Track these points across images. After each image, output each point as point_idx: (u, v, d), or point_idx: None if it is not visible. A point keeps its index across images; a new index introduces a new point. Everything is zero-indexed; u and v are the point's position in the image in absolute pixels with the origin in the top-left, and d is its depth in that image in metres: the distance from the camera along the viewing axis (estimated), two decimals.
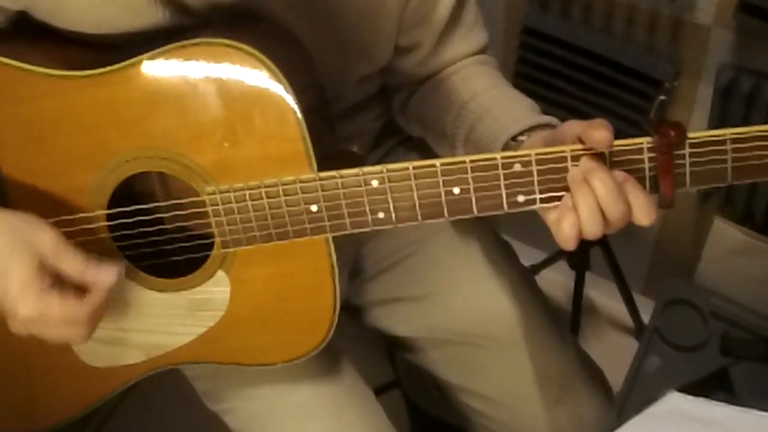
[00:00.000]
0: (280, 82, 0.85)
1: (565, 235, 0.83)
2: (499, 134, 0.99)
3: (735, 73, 1.50)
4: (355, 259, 1.23)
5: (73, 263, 0.87)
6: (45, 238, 0.87)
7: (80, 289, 0.88)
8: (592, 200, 0.81)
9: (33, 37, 0.96)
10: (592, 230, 0.83)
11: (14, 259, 0.85)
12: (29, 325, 0.88)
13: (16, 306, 0.86)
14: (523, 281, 1.21)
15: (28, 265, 0.85)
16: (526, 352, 1.18)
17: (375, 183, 0.86)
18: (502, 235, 1.29)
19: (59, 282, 0.87)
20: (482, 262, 1.20)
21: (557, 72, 1.71)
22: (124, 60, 0.89)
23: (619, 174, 0.82)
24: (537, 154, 0.84)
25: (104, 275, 0.88)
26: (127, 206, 0.95)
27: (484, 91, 1.08)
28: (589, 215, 0.82)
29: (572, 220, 0.83)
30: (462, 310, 1.19)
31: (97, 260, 0.88)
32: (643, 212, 0.82)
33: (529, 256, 2.04)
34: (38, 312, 0.86)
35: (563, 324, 1.29)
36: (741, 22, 1.46)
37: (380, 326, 1.27)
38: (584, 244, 1.84)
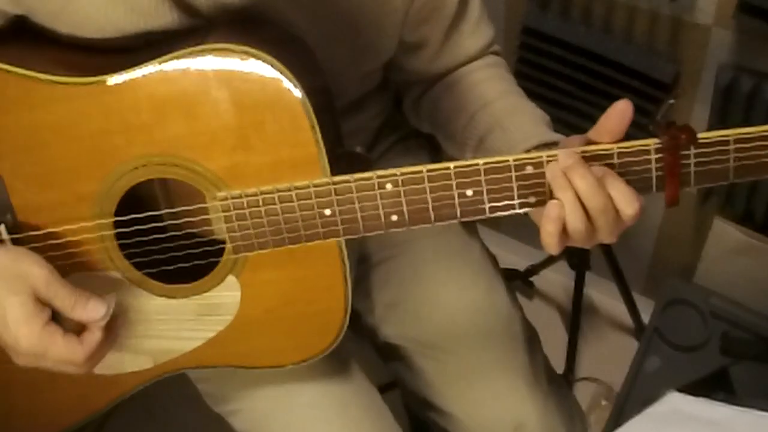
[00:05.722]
0: (294, 86, 0.85)
1: (547, 231, 0.85)
2: (508, 150, 1.00)
3: (735, 73, 1.50)
4: None
5: (63, 298, 0.87)
6: (37, 272, 0.87)
7: (81, 327, 0.89)
8: (572, 194, 0.83)
9: (34, 42, 0.95)
10: (575, 225, 0.84)
11: (10, 294, 0.86)
12: (31, 359, 0.88)
13: (18, 341, 0.86)
14: (502, 302, 1.21)
15: (25, 300, 0.86)
16: (491, 372, 1.18)
17: (389, 186, 0.86)
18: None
19: (56, 317, 0.88)
20: (460, 274, 1.20)
21: (557, 72, 1.71)
22: (130, 65, 0.88)
23: (599, 168, 0.83)
24: (548, 157, 0.84)
25: (91, 312, 0.88)
26: (130, 214, 0.94)
27: (495, 100, 1.08)
28: (571, 209, 0.83)
29: (553, 215, 0.84)
30: (430, 322, 1.19)
31: (87, 296, 0.88)
32: (626, 202, 0.83)
33: (529, 256, 2.05)
34: (42, 347, 0.86)
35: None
36: (741, 22, 1.46)
37: (360, 326, 1.27)
38: None
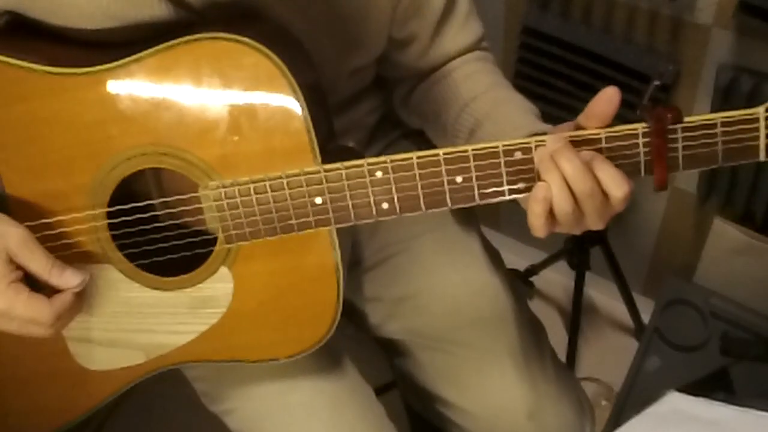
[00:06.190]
0: (284, 75, 0.85)
1: (534, 212, 0.85)
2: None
3: (735, 73, 1.50)
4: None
5: (39, 262, 0.88)
6: (13, 232, 0.87)
7: (50, 292, 0.89)
8: (559, 177, 0.83)
9: (28, 37, 0.95)
10: (562, 208, 0.84)
11: None
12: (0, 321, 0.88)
13: None
14: (505, 291, 1.20)
15: None
16: (500, 362, 1.17)
17: (379, 174, 0.87)
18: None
19: (28, 281, 0.88)
20: (465, 267, 1.20)
21: (557, 72, 1.71)
22: (123, 57, 0.88)
23: (587, 153, 0.84)
24: (537, 142, 0.85)
25: (68, 278, 0.89)
26: (123, 205, 0.94)
27: (484, 93, 1.09)
28: (558, 192, 0.83)
29: (540, 196, 0.84)
30: (439, 315, 1.19)
31: (64, 265, 0.89)
32: (615, 184, 0.83)
33: (529, 256, 2.06)
34: (6, 303, 0.86)
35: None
36: (741, 22, 1.47)
37: (364, 325, 1.27)
38: (584, 244, 1.84)
